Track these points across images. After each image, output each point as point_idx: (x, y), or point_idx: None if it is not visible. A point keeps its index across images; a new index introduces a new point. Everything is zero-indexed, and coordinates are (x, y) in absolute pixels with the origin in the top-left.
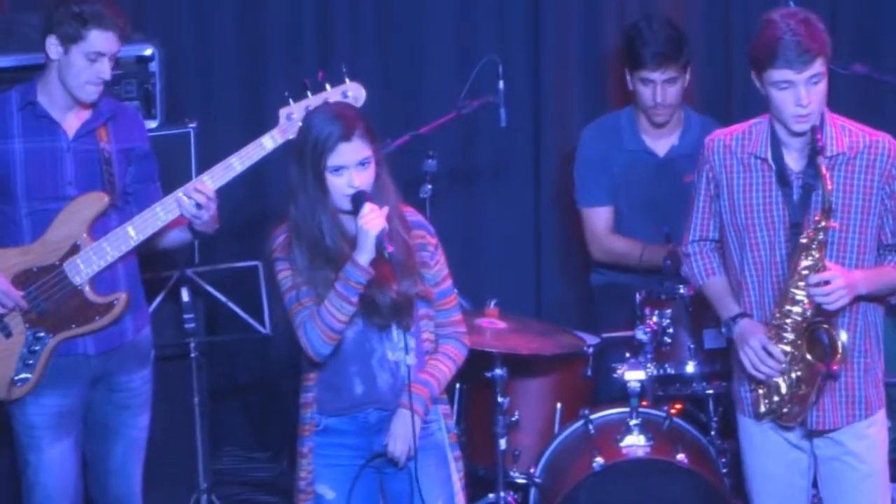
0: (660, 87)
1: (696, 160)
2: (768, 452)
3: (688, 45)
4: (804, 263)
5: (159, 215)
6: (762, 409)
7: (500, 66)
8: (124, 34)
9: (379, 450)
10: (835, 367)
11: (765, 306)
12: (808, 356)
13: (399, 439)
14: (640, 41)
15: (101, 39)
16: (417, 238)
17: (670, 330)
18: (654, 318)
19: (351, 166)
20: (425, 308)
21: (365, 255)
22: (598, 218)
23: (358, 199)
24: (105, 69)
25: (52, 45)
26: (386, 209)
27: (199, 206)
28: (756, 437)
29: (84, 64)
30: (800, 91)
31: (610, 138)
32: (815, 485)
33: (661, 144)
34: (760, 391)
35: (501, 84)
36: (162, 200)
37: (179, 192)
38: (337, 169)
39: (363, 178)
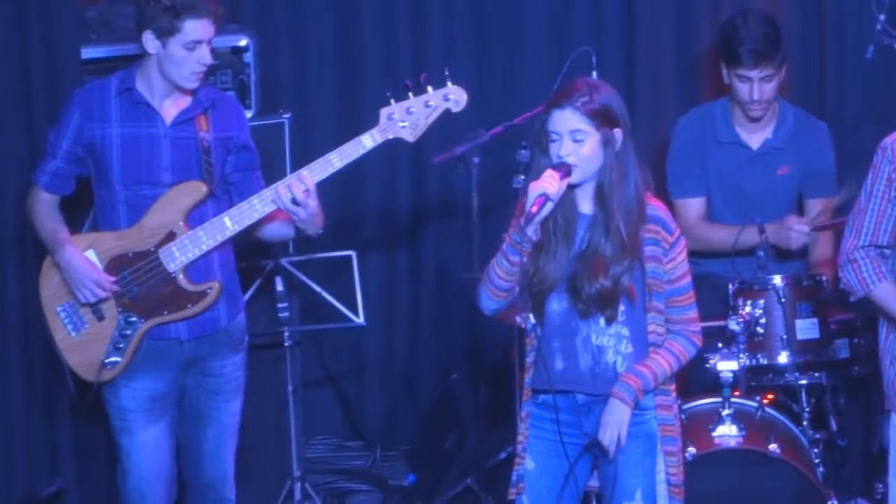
0: (756, 85)
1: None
2: None
3: (784, 41)
4: None
5: (256, 207)
6: None
7: (593, 58)
8: (217, 17)
9: (593, 434)
10: None
11: None
12: None
13: (607, 428)
14: (737, 38)
15: (196, 28)
16: (650, 232)
17: (763, 320)
18: (747, 309)
19: (563, 135)
20: (657, 301)
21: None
22: (691, 209)
23: (553, 167)
24: (205, 55)
25: (149, 41)
26: (566, 182)
27: (295, 201)
28: None
29: (183, 54)
30: None
31: (704, 130)
32: None
33: (756, 137)
34: None
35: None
36: (260, 193)
37: (279, 185)
38: (553, 136)
39: (572, 151)
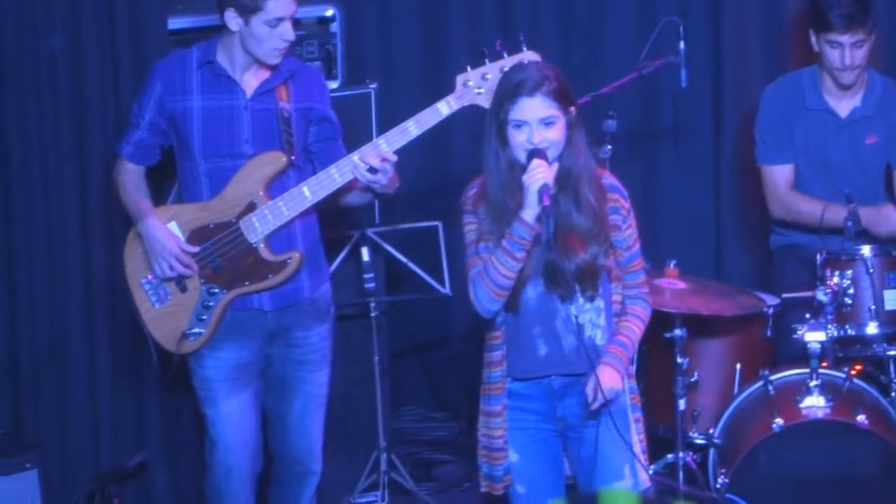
0: (848, 50)
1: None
2: None
3: (874, 5)
4: None
5: (335, 177)
6: None
7: (680, 27)
8: None
9: (562, 415)
10: None
11: None
12: None
13: (598, 389)
14: (826, 3)
15: (278, 6)
16: (611, 201)
17: (851, 291)
18: (835, 279)
19: (532, 123)
20: (616, 270)
21: (529, 211)
22: (779, 175)
23: (531, 156)
24: (288, 31)
25: (232, 19)
26: (555, 167)
27: (373, 170)
28: None
29: (266, 31)
30: None
31: (792, 97)
32: None
33: (844, 105)
34: None
35: (682, 45)
36: (338, 162)
37: (355, 156)
38: (518, 124)
39: (545, 137)
